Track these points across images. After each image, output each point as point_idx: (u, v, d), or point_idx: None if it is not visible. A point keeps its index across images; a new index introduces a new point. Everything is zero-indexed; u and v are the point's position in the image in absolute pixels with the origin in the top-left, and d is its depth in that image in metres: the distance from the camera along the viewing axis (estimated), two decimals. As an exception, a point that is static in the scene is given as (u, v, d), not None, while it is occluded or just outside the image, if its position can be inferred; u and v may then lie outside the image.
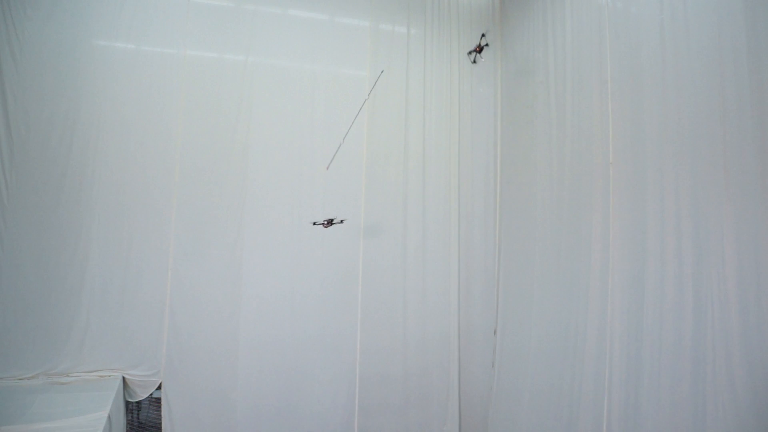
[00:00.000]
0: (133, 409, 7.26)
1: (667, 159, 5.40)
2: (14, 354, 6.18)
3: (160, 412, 6.69)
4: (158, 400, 6.75)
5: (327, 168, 6.96)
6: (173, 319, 6.77)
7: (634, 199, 5.76)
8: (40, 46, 6.46)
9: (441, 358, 7.95)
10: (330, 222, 6.87)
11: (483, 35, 7.48)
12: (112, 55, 6.73)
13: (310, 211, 7.35)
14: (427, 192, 7.99)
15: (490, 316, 8.05)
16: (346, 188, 7.61)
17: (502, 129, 8.24)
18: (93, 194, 6.56)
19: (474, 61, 7.76)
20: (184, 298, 6.83)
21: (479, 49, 7.50)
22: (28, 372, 6.15)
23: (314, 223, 6.95)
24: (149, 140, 6.81)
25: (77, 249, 6.48)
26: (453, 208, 8.04)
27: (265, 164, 7.26)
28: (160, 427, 6.66)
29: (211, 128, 7.07)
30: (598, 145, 6.27)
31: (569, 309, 6.55)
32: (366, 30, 7.79)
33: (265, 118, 7.28)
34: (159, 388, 6.69)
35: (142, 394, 6.63)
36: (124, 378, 6.48)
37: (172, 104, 6.91)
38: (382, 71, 7.31)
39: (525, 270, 7.46)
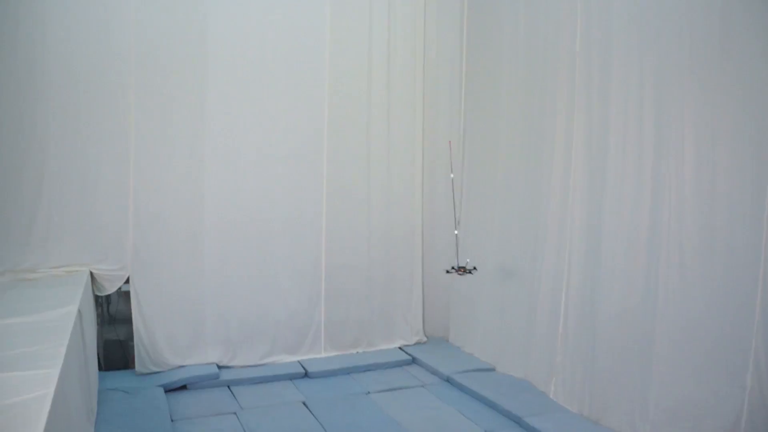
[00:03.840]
0: (102, 303, 7.35)
1: (633, 51, 5.41)
2: (-22, 252, 6.11)
3: (130, 306, 6.77)
4: (127, 293, 6.80)
5: None
6: (138, 212, 6.70)
7: (599, 91, 5.79)
8: None
9: (405, 248, 8.14)
10: (463, 270, 6.73)
11: None
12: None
13: (273, 93, 7.20)
14: (391, 79, 7.90)
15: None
16: (310, 71, 7.45)
17: (468, 16, 8.02)
18: (45, 83, 6.23)
19: None
20: (147, 187, 6.72)
21: None
22: (-7, 270, 6.10)
23: (447, 271, 6.89)
24: (101, 27, 6.42)
25: (33, 141, 6.23)
26: (418, 96, 8.00)
27: (226, 46, 6.98)
28: (131, 320, 6.76)
29: (168, 13, 6.71)
30: (565, 34, 6.21)
31: (532, 198, 6.69)
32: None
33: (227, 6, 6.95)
34: (127, 282, 6.73)
35: (110, 289, 6.67)
36: (91, 273, 6.47)
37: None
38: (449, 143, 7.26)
39: (488, 160, 7.52)
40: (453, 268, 6.81)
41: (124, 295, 7.09)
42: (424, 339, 8.23)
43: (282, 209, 7.36)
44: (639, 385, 5.29)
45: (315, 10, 7.39)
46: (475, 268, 6.78)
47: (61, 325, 4.24)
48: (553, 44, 6.36)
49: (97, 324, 6.76)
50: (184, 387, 6.59)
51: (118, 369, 6.94)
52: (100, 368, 6.48)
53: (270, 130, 7.24)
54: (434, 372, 7.21)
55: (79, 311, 4.78)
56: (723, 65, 4.68)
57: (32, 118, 6.24)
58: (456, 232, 7.12)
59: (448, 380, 6.96)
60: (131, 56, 6.58)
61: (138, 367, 6.73)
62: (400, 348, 7.94)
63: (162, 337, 6.81)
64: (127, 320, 6.87)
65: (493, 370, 7.18)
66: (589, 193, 5.91)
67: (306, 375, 7.11)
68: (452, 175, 7.18)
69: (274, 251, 7.35)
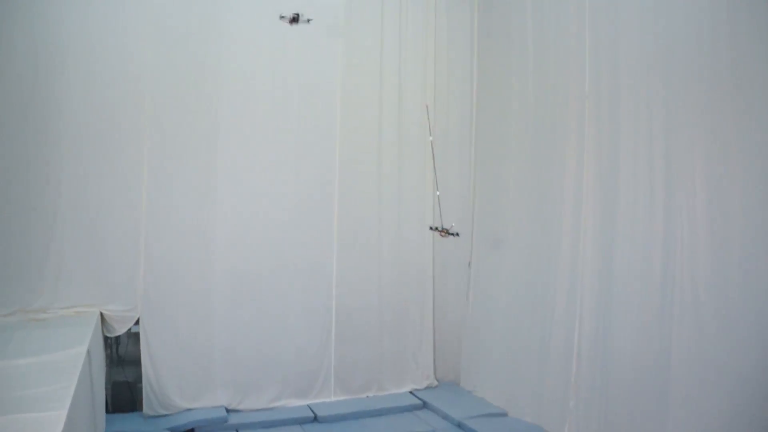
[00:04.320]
0: (111, 344, 7.31)
1: (642, 91, 5.46)
2: (-10, 291, 6.13)
3: (139, 347, 6.73)
4: (137, 335, 6.77)
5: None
6: (148, 252, 6.73)
7: (609, 131, 5.83)
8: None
9: (416, 291, 8.08)
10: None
11: None
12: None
13: (284, 138, 7.26)
14: (402, 121, 7.95)
15: (465, 248, 8.15)
16: (321, 117, 7.53)
17: (479, 58, 8.16)
18: (61, 124, 6.35)
19: None
20: (158, 230, 6.76)
21: None
22: (4, 309, 6.07)
23: (430, 228, 6.98)
24: (117, 67, 6.56)
25: (48, 182, 6.32)
26: (428, 140, 8.02)
27: (238, 89, 7.09)
28: (140, 361, 6.71)
29: (181, 52, 6.84)
30: (574, 77, 6.27)
31: (542, 241, 6.68)
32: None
33: (237, 41, 7.06)
34: (137, 323, 6.71)
35: (120, 330, 6.65)
36: (101, 313, 6.46)
37: (140, 27, 6.65)
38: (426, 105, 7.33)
39: (499, 203, 7.55)
40: (436, 228, 6.85)
41: (133, 337, 7.05)
42: (435, 383, 8.10)
43: (293, 252, 7.36)
44: (655, 429, 5.16)
45: (328, 56, 7.50)
46: (457, 234, 6.79)
47: (69, 366, 4.22)
48: (563, 86, 6.42)
49: (106, 365, 6.72)
50: (192, 431, 6.50)
51: (126, 411, 6.85)
52: (107, 410, 6.42)
53: (282, 173, 7.30)
54: (445, 417, 7.08)
55: (88, 352, 4.76)
56: (733, 100, 4.70)
57: (47, 160, 6.34)
58: (438, 193, 7.17)
59: (460, 426, 6.82)
60: (145, 101, 6.70)
61: (146, 409, 6.65)
62: (410, 392, 7.82)
63: (171, 379, 6.75)
64: (136, 362, 6.83)
65: (505, 414, 7.04)
66: (601, 233, 5.88)
67: (315, 419, 7.01)
68: (431, 138, 7.28)
69: (285, 294, 7.32)
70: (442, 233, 6.80)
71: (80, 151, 6.46)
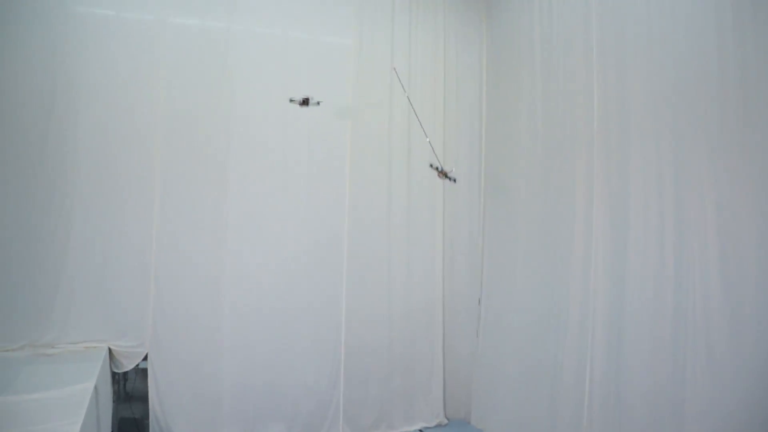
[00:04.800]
0: (119, 379, 7.28)
1: (651, 134, 5.46)
2: (-1, 325, 6.16)
3: (147, 383, 6.70)
4: (145, 370, 6.74)
5: (311, 102, 6.89)
6: (158, 288, 6.74)
7: (618, 173, 5.81)
8: (16, 14, 6.29)
9: (426, 328, 8.02)
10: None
11: None
12: (91, 21, 6.56)
13: (294, 180, 7.32)
14: (412, 161, 7.97)
15: (474, 285, 8.13)
16: (330, 160, 7.58)
17: (487, 100, 8.25)
18: (74, 163, 6.45)
19: None
20: (168, 267, 6.79)
21: None
22: (13, 344, 6.10)
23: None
24: (131, 107, 6.68)
25: (59, 219, 6.39)
26: (438, 184, 8.05)
27: (249, 133, 7.18)
28: (147, 397, 6.67)
29: (193, 96, 6.96)
30: (582, 119, 6.29)
31: (552, 280, 6.63)
32: (351, -3, 7.70)
33: (248, 87, 7.17)
34: (145, 359, 6.69)
35: (128, 365, 6.62)
36: (110, 349, 6.45)
37: (154, 72, 6.79)
38: (394, 69, 7.32)
39: (509, 240, 7.53)
40: (436, 167, 7.01)
41: (141, 373, 7.02)
42: (445, 421, 7.99)
43: (302, 290, 7.34)
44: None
45: (338, 108, 7.56)
46: (455, 180, 7.02)
47: (76, 402, 4.21)
48: (571, 125, 6.44)
49: (113, 401, 6.68)
50: (198, 468, 6.42)
51: (133, 448, 6.81)
52: (113, 448, 6.36)
53: (291, 214, 7.34)
54: (456, 456, 6.98)
55: (96, 388, 4.74)
56: (744, 141, 4.67)
57: (61, 194, 6.41)
58: (428, 139, 7.19)
59: (470, 465, 6.72)
60: (157, 142, 6.79)
61: (152, 446, 6.58)
62: (420, 430, 7.72)
63: (178, 416, 6.69)
64: (144, 398, 6.79)
65: (515, 454, 6.93)
66: (611, 269, 5.83)
67: (323, 457, 6.90)
68: (406, 94, 7.35)
69: (294, 331, 7.29)
70: (440, 174, 6.95)
71: (91, 186, 6.52)
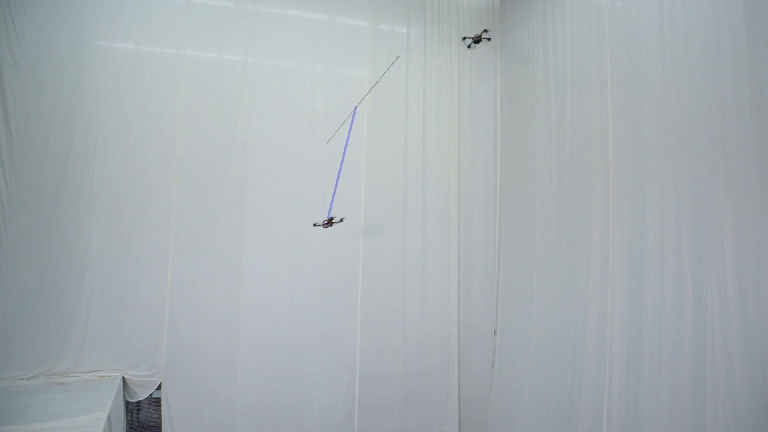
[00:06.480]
0: (132, 409, 7.26)
1: (667, 159, 5.41)
2: (14, 354, 6.18)
3: (160, 413, 6.69)
4: (158, 400, 6.74)
5: (328, 142, 7.00)
6: (173, 319, 6.77)
7: (634, 199, 5.76)
8: (40, 46, 6.45)
9: (441, 359, 7.94)
10: (330, 222, 6.89)
11: (485, 30, 7.55)
12: (112, 55, 6.72)
13: (309, 211, 7.35)
14: (427, 192, 7.99)
15: (489, 316, 8.06)
16: (346, 189, 7.60)
17: (501, 129, 8.27)
18: (93, 194, 6.56)
19: (468, 47, 7.89)
20: (183, 297, 6.83)
21: (477, 39, 7.58)
22: (28, 372, 6.14)
23: (315, 225, 6.95)
24: (149, 141, 6.81)
25: (77, 249, 6.48)
26: (452, 208, 8.04)
27: (265, 165, 7.26)
28: (160, 427, 6.65)
29: (211, 128, 7.07)
30: (597, 145, 6.27)
31: (569, 310, 6.55)
32: (366, 30, 7.79)
33: (265, 119, 7.28)
34: (159, 388, 6.68)
35: (141, 395, 6.62)
36: (123, 378, 6.47)
37: (172, 104, 6.92)
38: (398, 56, 7.38)
39: (525, 270, 7.47)
40: (323, 222, 7.01)
41: (154, 402, 7.00)
42: (461, 454, 7.87)
43: (316, 321, 7.35)
44: None
45: (353, 133, 7.64)
46: (342, 219, 6.98)
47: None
48: (587, 156, 6.42)
49: (126, 430, 6.65)
50: (210, 500, 6.35)
51: (145, 480, 6.77)
52: (126, 478, 6.32)
53: (306, 242, 7.35)
54: (471, 491, 6.84)
55: (109, 417, 4.74)
56: (761, 173, 4.62)
57: (77, 225, 6.49)
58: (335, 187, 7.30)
59: (486, 501, 6.58)
60: (174, 175, 6.89)
61: (165, 476, 6.54)
62: (435, 463, 7.60)
63: (191, 446, 6.65)
64: (157, 427, 6.76)
65: (533, 490, 6.78)
66: (629, 302, 5.74)
67: (337, 491, 6.80)
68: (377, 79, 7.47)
69: (309, 362, 7.27)
70: (326, 225, 6.97)
71: (109, 218, 6.63)
